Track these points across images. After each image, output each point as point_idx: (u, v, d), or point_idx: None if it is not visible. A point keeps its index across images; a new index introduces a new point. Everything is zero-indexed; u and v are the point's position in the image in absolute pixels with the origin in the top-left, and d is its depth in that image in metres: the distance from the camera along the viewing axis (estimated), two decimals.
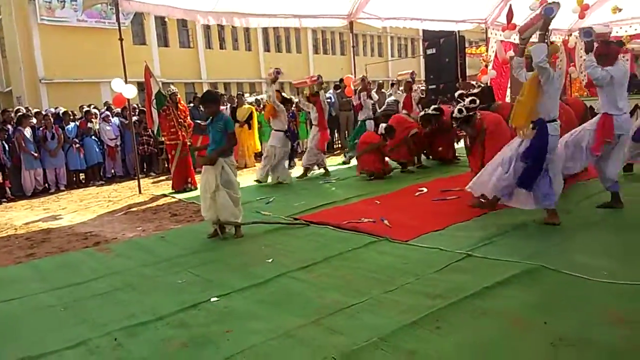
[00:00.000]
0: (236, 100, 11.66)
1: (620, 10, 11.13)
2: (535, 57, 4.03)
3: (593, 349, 2.36)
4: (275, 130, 8.10)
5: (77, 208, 7.73)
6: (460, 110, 5.48)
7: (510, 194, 4.54)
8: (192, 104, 11.07)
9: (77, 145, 10.00)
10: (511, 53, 10.44)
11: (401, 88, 10.27)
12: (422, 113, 8.25)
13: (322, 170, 8.73)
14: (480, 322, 2.76)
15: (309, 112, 9.04)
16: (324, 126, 8.58)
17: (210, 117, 4.97)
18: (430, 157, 8.97)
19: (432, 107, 8.26)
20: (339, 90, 12.25)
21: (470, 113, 5.44)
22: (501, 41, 11.54)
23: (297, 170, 9.16)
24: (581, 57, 11.83)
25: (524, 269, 3.40)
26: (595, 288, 3.05)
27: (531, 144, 4.25)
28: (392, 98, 10.63)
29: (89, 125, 10.39)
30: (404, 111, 9.06)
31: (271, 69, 8.03)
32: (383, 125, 7.95)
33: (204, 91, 5.05)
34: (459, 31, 12.84)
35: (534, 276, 3.32)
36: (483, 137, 5.51)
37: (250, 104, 11.99)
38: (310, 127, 9.48)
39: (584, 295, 2.97)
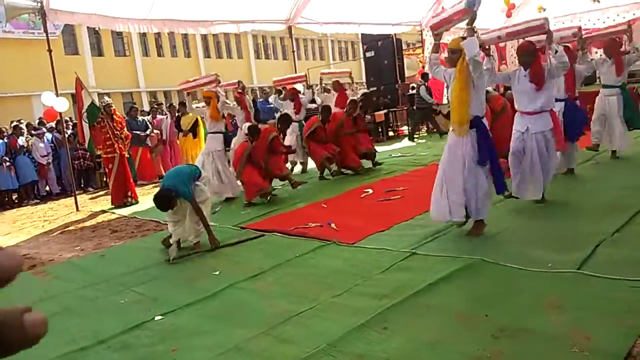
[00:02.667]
0: (178, 108, 11.37)
1: (544, 9, 11.80)
2: (469, 51, 3.90)
3: (530, 337, 2.47)
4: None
5: (10, 230, 7.31)
6: None
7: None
8: (129, 115, 10.72)
9: (7, 163, 9.47)
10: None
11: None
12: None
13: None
14: (426, 319, 2.83)
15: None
16: None
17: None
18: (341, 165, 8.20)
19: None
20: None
21: None
22: None
23: None
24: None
25: (465, 264, 3.51)
26: (531, 277, 3.20)
27: (480, 145, 4.04)
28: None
29: (20, 142, 9.87)
30: (337, 108, 8.92)
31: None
32: (246, 124, 6.84)
33: (156, 198, 4.65)
34: (395, 34, 13.17)
35: (475, 270, 3.44)
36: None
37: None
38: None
39: (521, 285, 3.11)
